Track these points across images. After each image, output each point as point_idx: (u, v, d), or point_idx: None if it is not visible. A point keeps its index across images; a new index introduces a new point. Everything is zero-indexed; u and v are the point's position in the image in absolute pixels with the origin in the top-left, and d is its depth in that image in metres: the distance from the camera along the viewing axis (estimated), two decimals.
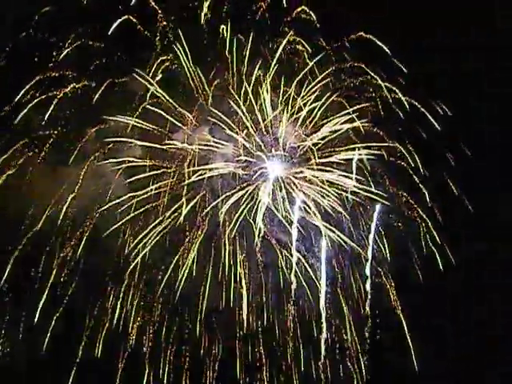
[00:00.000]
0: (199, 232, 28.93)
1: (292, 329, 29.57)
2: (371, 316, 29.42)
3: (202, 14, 28.90)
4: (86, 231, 28.62)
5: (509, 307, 30.27)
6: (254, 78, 28.70)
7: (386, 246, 29.42)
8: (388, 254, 29.40)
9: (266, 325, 29.51)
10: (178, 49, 28.67)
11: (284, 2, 29.22)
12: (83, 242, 28.54)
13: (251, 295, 29.16)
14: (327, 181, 29.17)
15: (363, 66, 29.71)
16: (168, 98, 28.83)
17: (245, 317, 28.94)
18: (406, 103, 29.44)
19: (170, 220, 28.75)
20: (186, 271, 28.69)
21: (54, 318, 28.32)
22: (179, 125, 28.97)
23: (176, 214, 28.80)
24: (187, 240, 28.99)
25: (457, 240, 29.89)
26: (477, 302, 30.50)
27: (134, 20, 28.57)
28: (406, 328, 29.08)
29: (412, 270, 29.36)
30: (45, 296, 28.27)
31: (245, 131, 29.03)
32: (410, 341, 29.18)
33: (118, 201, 28.49)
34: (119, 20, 28.14)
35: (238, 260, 29.14)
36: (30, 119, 28.50)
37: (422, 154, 29.82)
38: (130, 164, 28.64)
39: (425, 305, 29.57)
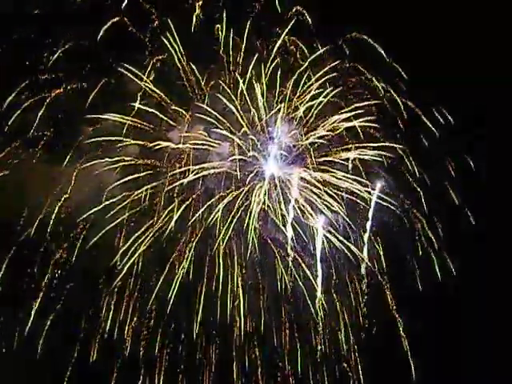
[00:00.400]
0: (194, 233, 29.22)
1: (288, 329, 30.06)
2: (367, 316, 29.98)
3: (194, 16, 29.39)
4: (80, 232, 28.93)
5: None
6: (248, 77, 29.17)
7: (381, 246, 30.01)
8: (382, 255, 29.97)
9: (263, 327, 29.86)
10: (174, 48, 29.10)
11: (277, 4, 29.87)
12: (79, 243, 28.86)
13: (247, 296, 29.51)
14: (323, 180, 29.63)
15: (359, 66, 30.38)
16: (163, 95, 29.24)
17: (242, 318, 29.26)
18: (401, 103, 30.07)
19: (164, 221, 29.06)
20: (182, 273, 28.99)
21: (50, 318, 28.69)
22: (174, 124, 29.45)
23: (170, 215, 29.12)
24: (182, 241, 29.34)
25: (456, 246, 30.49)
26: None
27: (127, 21, 28.97)
28: (401, 329, 29.73)
29: (408, 270, 30.02)
30: (40, 298, 28.68)
31: (241, 130, 29.44)
32: (406, 343, 29.86)
33: (112, 200, 28.81)
34: (110, 22, 28.59)
35: (235, 262, 29.49)
36: (23, 120, 28.84)
37: (418, 156, 30.42)
38: (125, 163, 28.95)
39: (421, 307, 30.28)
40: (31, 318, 28.52)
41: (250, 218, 28.97)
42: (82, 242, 28.89)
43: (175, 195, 29.06)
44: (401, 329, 29.66)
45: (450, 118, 30.40)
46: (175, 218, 28.82)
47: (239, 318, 29.27)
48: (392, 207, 29.62)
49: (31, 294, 28.76)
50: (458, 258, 30.22)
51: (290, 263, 29.15)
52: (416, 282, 30.20)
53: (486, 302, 30.75)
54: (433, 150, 30.43)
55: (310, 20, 29.81)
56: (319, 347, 29.74)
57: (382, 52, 29.91)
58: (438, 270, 30.01)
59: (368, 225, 29.00)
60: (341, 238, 29.33)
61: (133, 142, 28.94)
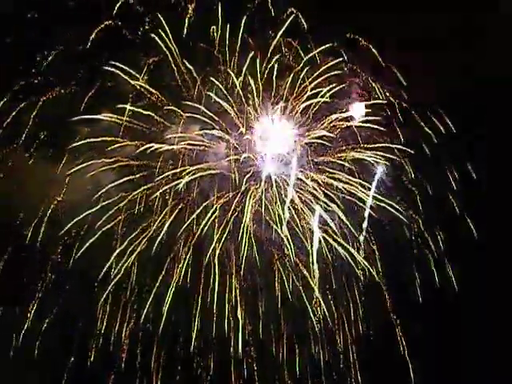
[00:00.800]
0: (190, 236, 29.54)
1: (286, 331, 30.33)
2: (365, 318, 30.27)
3: (187, 19, 29.76)
4: (77, 234, 29.26)
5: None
6: (244, 78, 29.58)
7: (377, 248, 30.29)
8: (378, 256, 30.30)
9: (261, 330, 30.19)
10: (168, 48, 29.51)
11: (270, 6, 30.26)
12: (77, 245, 29.17)
13: (244, 299, 29.81)
14: (320, 180, 29.98)
15: (355, 67, 30.80)
16: (159, 94, 29.65)
17: (240, 321, 29.49)
18: (396, 104, 30.46)
19: (160, 223, 29.41)
20: (179, 276, 29.30)
21: (46, 321, 29.20)
22: (169, 125, 29.87)
23: (165, 217, 29.50)
24: (178, 244, 29.68)
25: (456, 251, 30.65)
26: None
27: (119, 24, 29.49)
28: (398, 330, 29.97)
29: (405, 272, 30.29)
30: (36, 300, 29.25)
31: (237, 131, 29.89)
32: (404, 345, 30.11)
33: (109, 201, 29.22)
34: (102, 25, 29.10)
35: (233, 264, 29.77)
36: (19, 122, 29.33)
37: (416, 159, 30.68)
38: (121, 164, 29.39)
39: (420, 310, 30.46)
40: (28, 321, 29.08)
41: (245, 219, 29.32)
42: (78, 244, 29.21)
43: (169, 198, 29.48)
44: (398, 331, 29.96)
45: (449, 122, 30.64)
46: (168, 222, 29.24)
47: (235, 321, 29.52)
48: (389, 207, 29.94)
49: (28, 296, 29.30)
50: (457, 264, 30.45)
51: (287, 263, 29.57)
52: (414, 286, 30.48)
53: (485, 306, 30.73)
54: (432, 153, 30.66)
55: (304, 23, 30.20)
56: (317, 348, 30.09)
57: (377, 54, 30.30)
58: (436, 274, 30.29)
59: (364, 225, 29.35)
60: (337, 238, 29.67)
61: (129, 143, 29.34)
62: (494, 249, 30.76)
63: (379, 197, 29.94)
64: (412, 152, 30.60)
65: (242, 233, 29.19)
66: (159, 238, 29.13)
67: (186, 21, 29.44)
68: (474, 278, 30.64)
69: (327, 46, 30.13)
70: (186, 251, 29.51)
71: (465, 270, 30.38)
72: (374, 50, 30.24)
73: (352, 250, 29.63)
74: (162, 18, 29.38)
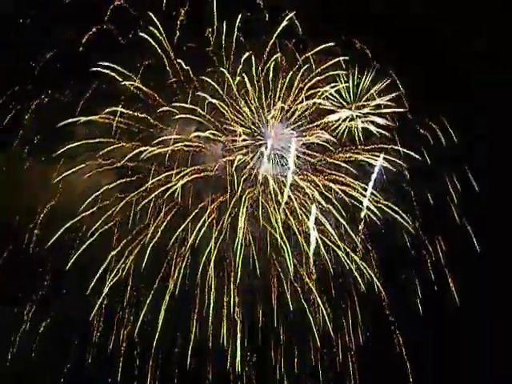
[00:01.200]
0: (186, 240, 29.76)
1: (285, 335, 30.50)
2: (364, 322, 30.45)
3: (179, 21, 30.13)
4: (75, 236, 29.60)
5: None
6: (241, 78, 29.83)
7: (373, 250, 30.44)
8: (375, 259, 30.43)
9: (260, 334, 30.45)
10: (164, 50, 29.80)
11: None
12: (76, 245, 29.41)
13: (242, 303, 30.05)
14: (317, 182, 30.15)
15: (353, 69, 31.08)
16: (156, 96, 29.89)
17: (238, 324, 29.73)
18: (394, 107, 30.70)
19: (155, 227, 29.67)
20: (175, 280, 29.58)
21: (43, 324, 29.63)
22: (164, 127, 30.10)
23: (161, 220, 29.75)
24: (175, 248, 29.93)
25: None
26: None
27: (112, 27, 29.84)
28: (396, 330, 30.12)
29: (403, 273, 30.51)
30: (35, 302, 29.71)
31: (234, 132, 30.15)
32: (402, 347, 30.23)
33: (106, 203, 29.51)
34: (94, 29, 29.44)
35: (231, 266, 29.93)
36: (16, 123, 29.77)
37: (415, 162, 30.81)
38: (117, 165, 29.65)
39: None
40: (26, 323, 29.45)
41: (241, 221, 29.47)
42: (75, 246, 29.47)
43: (164, 200, 29.73)
44: (396, 333, 30.08)
45: (448, 127, 30.76)
46: (163, 226, 29.52)
47: (232, 324, 29.74)
48: (386, 208, 30.10)
49: (26, 297, 29.75)
50: (457, 268, 30.57)
51: (285, 265, 29.75)
52: (413, 287, 30.59)
53: (484, 310, 30.71)
54: (431, 156, 30.79)
55: (298, 24, 30.43)
56: (315, 352, 30.22)
57: (369, 53, 30.53)
58: (432, 275, 30.40)
59: (361, 226, 29.54)
60: (334, 239, 29.83)
61: (124, 144, 29.62)
62: (493, 254, 30.87)
63: (377, 198, 30.07)
64: (411, 153, 30.66)
65: (239, 235, 29.43)
66: (154, 239, 29.46)
67: (179, 23, 29.83)
68: (474, 282, 30.74)
69: (324, 46, 30.35)
70: (182, 254, 29.74)
71: (464, 274, 30.49)
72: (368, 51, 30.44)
73: (348, 250, 29.84)
74: (156, 20, 29.69)
